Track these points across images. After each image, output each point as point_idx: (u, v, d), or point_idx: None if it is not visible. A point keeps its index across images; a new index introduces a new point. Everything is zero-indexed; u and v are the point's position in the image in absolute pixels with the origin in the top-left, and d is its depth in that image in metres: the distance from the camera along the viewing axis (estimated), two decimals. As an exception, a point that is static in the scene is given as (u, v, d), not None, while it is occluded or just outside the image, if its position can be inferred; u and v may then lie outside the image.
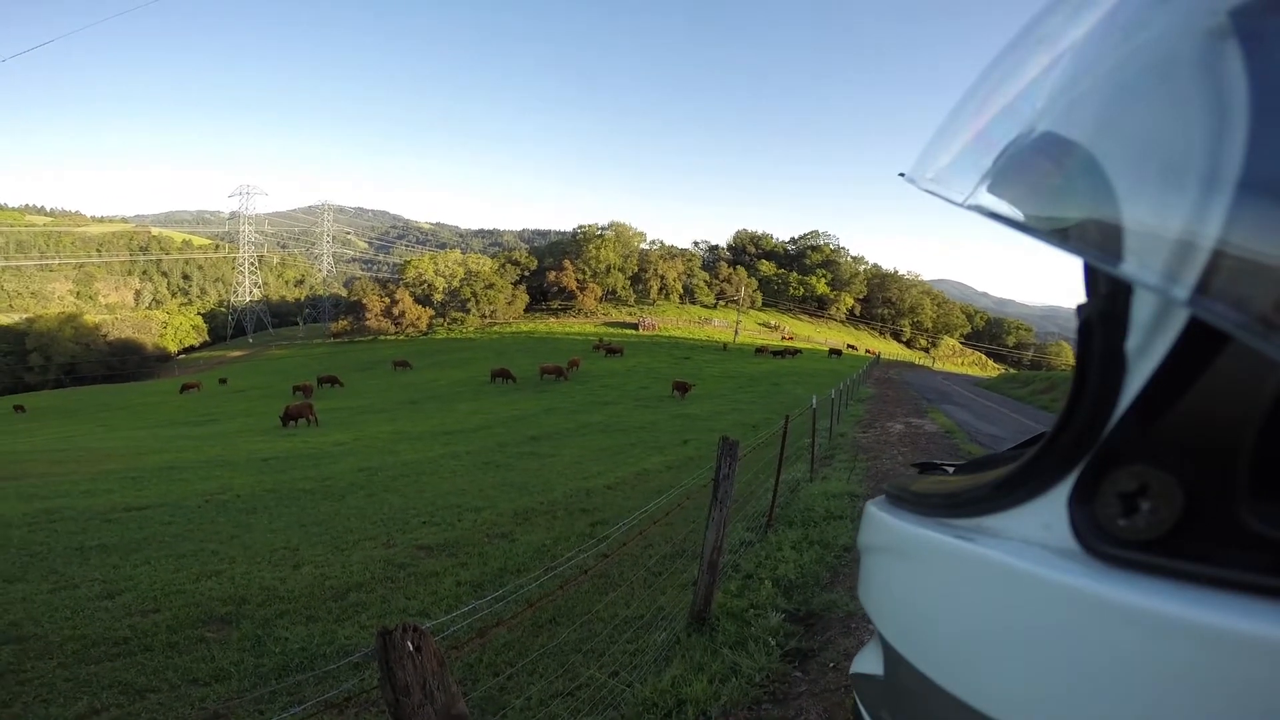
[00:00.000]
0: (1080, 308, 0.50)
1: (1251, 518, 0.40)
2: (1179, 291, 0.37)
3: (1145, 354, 0.45)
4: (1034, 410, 20.27)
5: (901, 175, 0.74)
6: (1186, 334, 0.42)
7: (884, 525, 0.78)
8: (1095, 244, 0.44)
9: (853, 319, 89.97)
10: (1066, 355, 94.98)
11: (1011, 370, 65.28)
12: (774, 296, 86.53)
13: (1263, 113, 0.35)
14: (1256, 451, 0.40)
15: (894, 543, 0.75)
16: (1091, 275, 0.49)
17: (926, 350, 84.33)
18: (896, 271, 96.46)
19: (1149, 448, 0.45)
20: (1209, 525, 0.42)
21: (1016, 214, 0.53)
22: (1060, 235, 0.48)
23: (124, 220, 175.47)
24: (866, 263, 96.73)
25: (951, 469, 0.97)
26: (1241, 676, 0.37)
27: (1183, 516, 0.42)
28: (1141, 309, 0.45)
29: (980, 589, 0.57)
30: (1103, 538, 0.47)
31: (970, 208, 0.58)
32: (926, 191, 0.67)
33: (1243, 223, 0.34)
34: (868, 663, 0.87)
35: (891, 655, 0.73)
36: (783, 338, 64.28)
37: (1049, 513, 0.52)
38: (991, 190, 0.56)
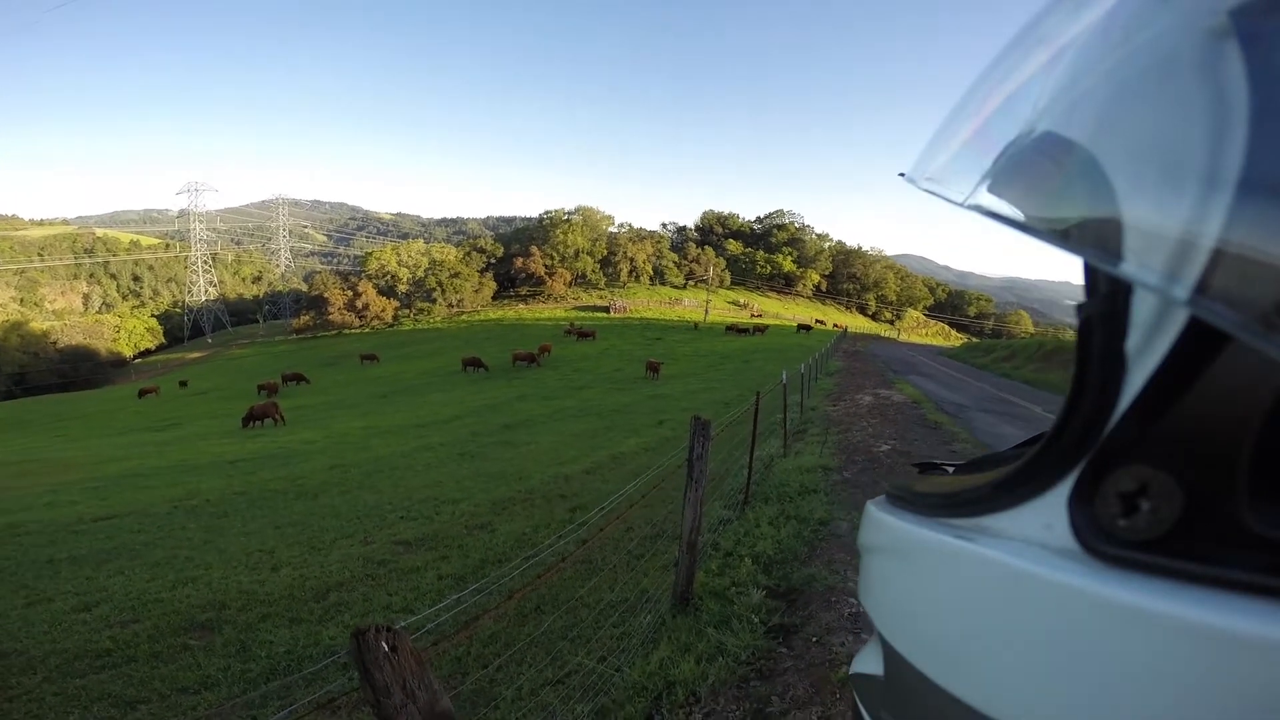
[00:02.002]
0: (1080, 307, 0.50)
1: (1251, 518, 0.40)
2: (1179, 291, 0.37)
3: (1145, 354, 0.44)
4: (995, 377, 20.82)
5: (901, 175, 0.74)
6: (1186, 334, 0.42)
7: (884, 525, 0.78)
8: (1095, 244, 0.44)
9: (819, 295, 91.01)
10: (1025, 323, 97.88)
11: (974, 339, 66.99)
12: (742, 275, 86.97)
13: (1263, 113, 0.35)
14: (1256, 451, 0.41)
15: (894, 543, 0.75)
16: (1091, 275, 0.50)
17: (891, 323, 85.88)
18: (860, 248, 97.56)
19: (1149, 448, 0.45)
20: (1209, 525, 0.42)
21: (1016, 214, 0.53)
22: (1060, 235, 0.48)
23: (65, 222, 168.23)
24: (831, 240, 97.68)
25: (951, 469, 0.98)
26: (1241, 676, 0.37)
27: (1183, 516, 0.43)
28: (1141, 309, 0.45)
29: (980, 589, 0.57)
30: (1103, 538, 0.47)
31: (970, 208, 0.58)
32: (926, 191, 0.67)
33: (1243, 222, 0.34)
34: (868, 663, 0.87)
35: (891, 655, 0.73)
36: (752, 315, 64.75)
37: (1049, 513, 0.52)
38: (991, 190, 0.56)
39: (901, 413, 11.86)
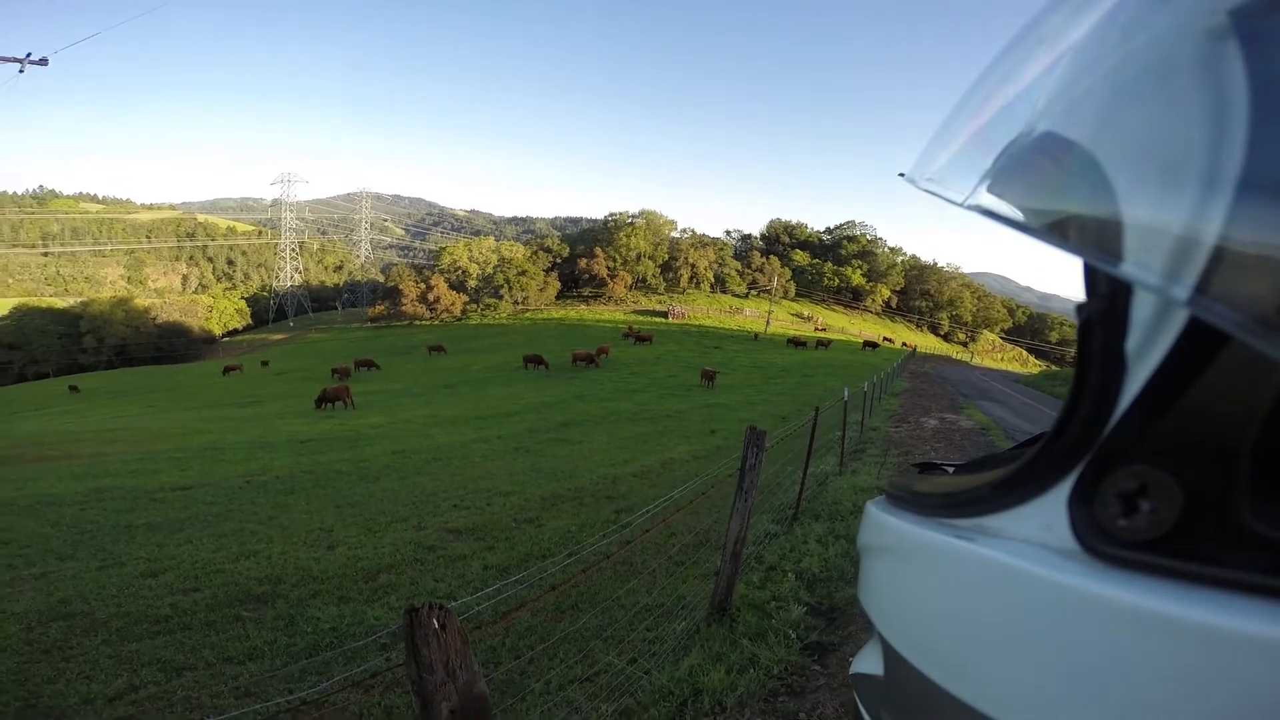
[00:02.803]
0: (1080, 307, 0.50)
1: (1251, 518, 0.40)
2: (1179, 291, 0.37)
3: (1145, 354, 0.45)
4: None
5: (901, 175, 0.74)
6: (1186, 334, 0.42)
7: (884, 525, 0.78)
8: (1095, 244, 0.44)
9: (889, 311, 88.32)
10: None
11: (1054, 367, 63.47)
12: (808, 287, 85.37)
13: (1262, 113, 0.35)
14: (1256, 452, 0.40)
15: (894, 543, 0.75)
16: (1091, 275, 0.49)
17: (965, 345, 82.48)
18: (935, 263, 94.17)
19: (1149, 448, 0.45)
20: (1209, 525, 0.42)
21: (1016, 214, 0.53)
22: (1060, 235, 0.48)
23: (172, 207, 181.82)
24: (904, 254, 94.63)
25: (951, 469, 0.97)
26: (1241, 676, 0.37)
27: (1182, 517, 0.43)
28: (1141, 309, 0.45)
29: (980, 589, 0.57)
30: (1103, 538, 0.47)
31: (970, 208, 0.58)
32: (926, 191, 0.67)
33: (1242, 223, 0.34)
34: (868, 663, 0.87)
35: (891, 655, 0.74)
36: (816, 329, 63.52)
37: (1049, 513, 0.52)
38: (991, 190, 0.56)
39: (969, 439, 11.40)
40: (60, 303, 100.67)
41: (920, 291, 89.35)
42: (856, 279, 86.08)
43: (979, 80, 0.64)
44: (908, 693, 0.70)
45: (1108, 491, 0.47)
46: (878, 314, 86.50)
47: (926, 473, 1.00)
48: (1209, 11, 0.38)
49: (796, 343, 45.00)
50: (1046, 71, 0.53)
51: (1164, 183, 0.39)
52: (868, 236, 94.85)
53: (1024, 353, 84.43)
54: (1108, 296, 0.47)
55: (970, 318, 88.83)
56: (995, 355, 78.22)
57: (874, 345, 50.36)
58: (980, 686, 0.55)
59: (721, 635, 3.53)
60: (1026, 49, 0.57)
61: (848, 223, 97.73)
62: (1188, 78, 0.39)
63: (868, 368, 30.58)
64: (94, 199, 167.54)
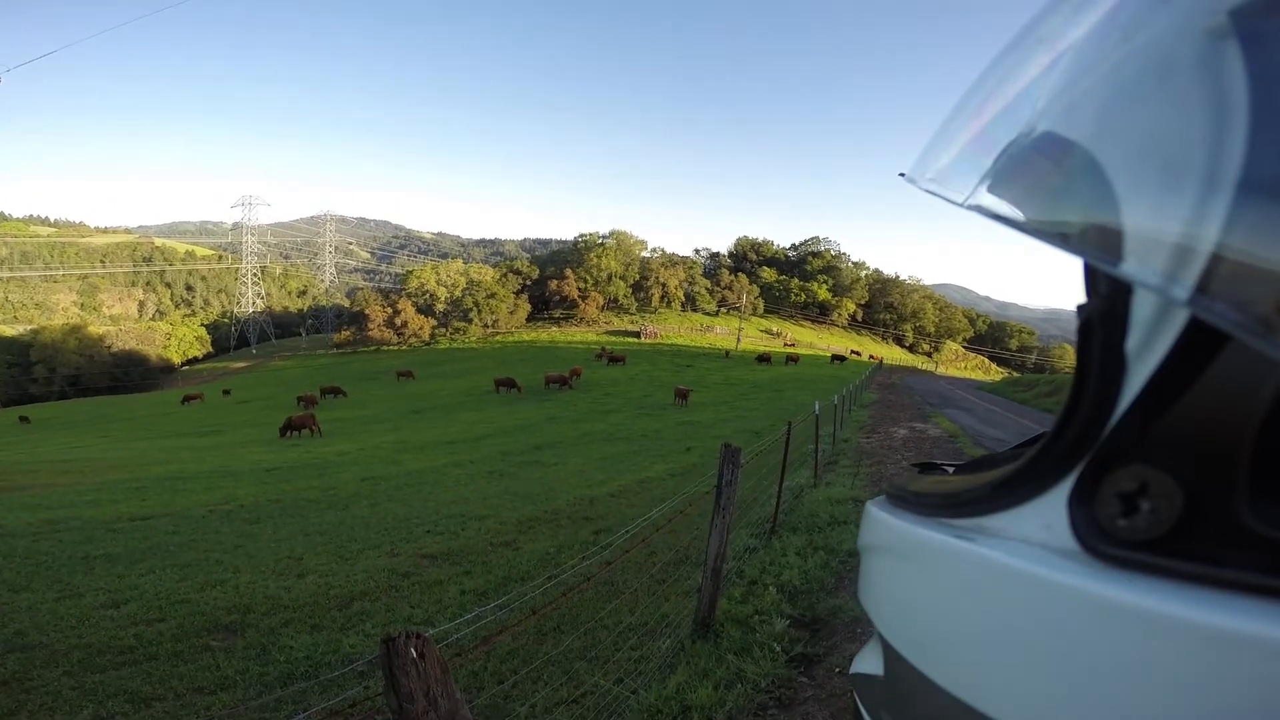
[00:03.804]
0: (1080, 308, 0.50)
1: (1251, 518, 0.40)
2: (1179, 292, 0.37)
3: (1145, 354, 0.44)
4: (1037, 413, 20.20)
5: (902, 175, 0.74)
6: (1186, 334, 0.42)
7: (884, 525, 0.78)
8: (1095, 244, 0.44)
9: (855, 325, 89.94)
10: (1070, 358, 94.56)
11: (1015, 374, 65.09)
12: (776, 303, 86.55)
13: (1262, 113, 0.35)
14: (1256, 452, 0.40)
15: (894, 543, 0.75)
16: (1091, 275, 0.49)
17: (929, 355, 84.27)
18: (898, 276, 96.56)
19: (1149, 448, 0.45)
20: (1208, 525, 0.41)
21: (1016, 214, 0.53)
22: (1060, 235, 0.48)
23: (128, 231, 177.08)
24: (868, 268, 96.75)
25: (951, 469, 0.97)
26: (1241, 676, 0.37)
27: (1182, 516, 0.42)
28: (1141, 309, 0.45)
29: (980, 589, 0.57)
30: (1103, 538, 0.46)
31: (970, 208, 0.58)
32: (926, 191, 0.67)
33: (1242, 223, 0.34)
34: (868, 663, 0.86)
35: (891, 655, 0.73)
36: (785, 344, 64.19)
37: (1049, 513, 0.52)
38: (992, 190, 0.56)
39: (937, 446, 11.59)
40: (9, 330, 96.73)
41: (884, 304, 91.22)
42: (823, 294, 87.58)
43: (979, 80, 0.64)
44: (908, 693, 0.69)
45: (1108, 491, 0.47)
46: (844, 328, 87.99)
47: (926, 473, 1.00)
48: (1209, 11, 0.38)
49: (763, 359, 44.95)
50: (1046, 72, 0.53)
51: (1164, 183, 0.39)
52: (832, 252, 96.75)
53: (986, 360, 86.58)
54: (1108, 297, 0.47)
55: (933, 328, 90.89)
56: (959, 364, 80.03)
57: (842, 359, 51.09)
58: (980, 686, 0.55)
59: (707, 652, 3.50)
60: (1026, 49, 0.57)
61: (813, 239, 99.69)
62: (1188, 78, 0.39)
63: (837, 381, 30.97)
64: (45, 222, 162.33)
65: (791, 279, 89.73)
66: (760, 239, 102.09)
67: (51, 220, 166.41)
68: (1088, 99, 0.47)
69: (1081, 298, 0.50)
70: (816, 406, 9.34)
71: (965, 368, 78.83)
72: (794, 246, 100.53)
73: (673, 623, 4.03)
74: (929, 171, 0.68)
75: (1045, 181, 0.51)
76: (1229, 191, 0.35)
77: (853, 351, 64.06)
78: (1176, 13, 0.41)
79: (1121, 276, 0.42)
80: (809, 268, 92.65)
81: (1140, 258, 0.40)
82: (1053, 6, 0.55)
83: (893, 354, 76.68)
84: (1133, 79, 0.43)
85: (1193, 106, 0.38)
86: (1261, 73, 0.35)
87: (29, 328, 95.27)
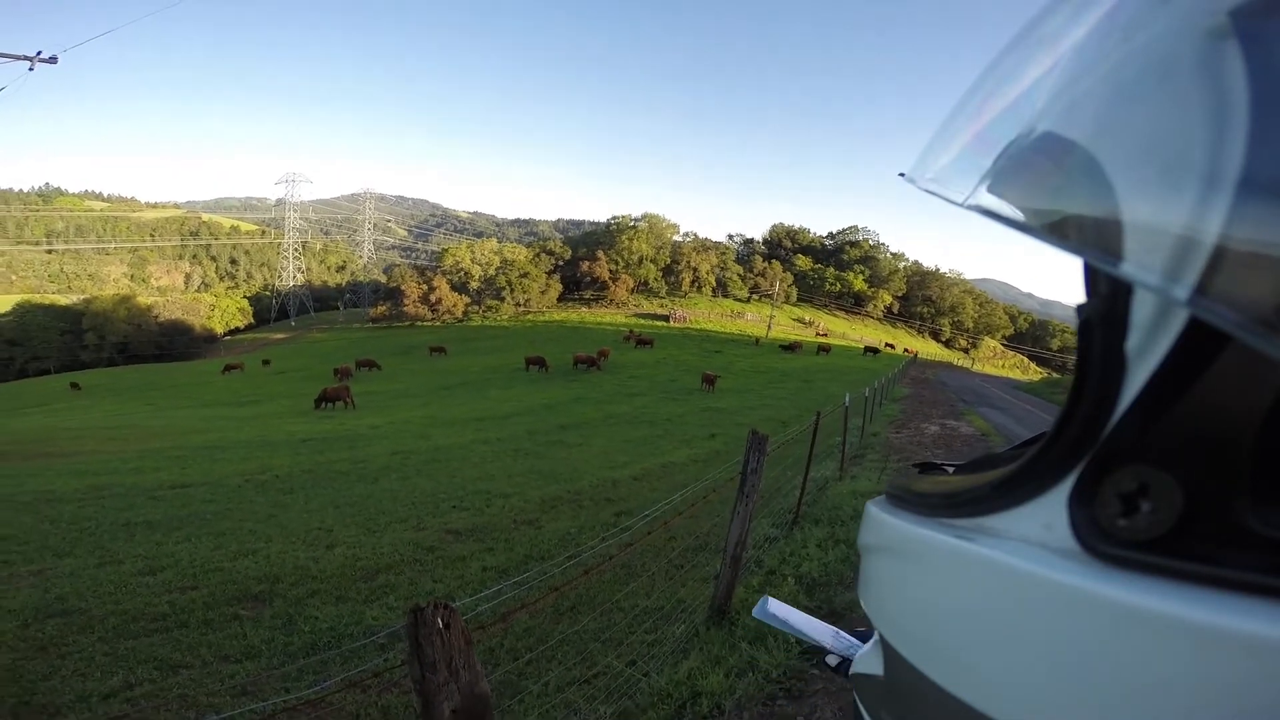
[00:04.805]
0: (1080, 308, 0.50)
1: (1252, 518, 0.40)
2: (1179, 292, 0.37)
3: (1145, 354, 0.44)
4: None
5: (902, 175, 0.74)
6: (1186, 334, 0.42)
7: (884, 525, 0.78)
8: (1095, 244, 0.44)
9: (891, 316, 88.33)
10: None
11: (1055, 375, 63.45)
12: (809, 292, 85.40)
13: (1262, 113, 0.35)
14: (1257, 452, 0.40)
15: (894, 542, 0.75)
16: (1091, 275, 0.49)
17: (966, 351, 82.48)
18: (937, 269, 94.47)
19: (1149, 448, 0.45)
20: (1209, 525, 0.41)
21: (1016, 214, 0.53)
22: (1060, 235, 0.48)
23: (176, 206, 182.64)
24: (906, 259, 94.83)
25: (951, 469, 0.97)
26: (1242, 677, 0.37)
27: (1183, 516, 0.42)
28: (1141, 309, 0.45)
29: (980, 589, 0.57)
30: (1103, 538, 0.46)
31: (970, 208, 0.58)
32: (926, 191, 0.67)
33: (1243, 223, 0.34)
34: (868, 663, 0.87)
35: (891, 655, 0.73)
36: (818, 334, 63.50)
37: (1049, 513, 0.52)
38: (992, 190, 0.56)
39: (968, 445, 11.40)
40: (63, 300, 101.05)
41: (922, 297, 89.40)
42: (859, 284, 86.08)
43: (979, 80, 0.64)
44: (908, 693, 0.69)
45: (1108, 491, 0.47)
46: (879, 319, 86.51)
47: (927, 473, 1.00)
48: (1209, 11, 0.38)
49: (788, 348, 44.11)
50: (1046, 72, 0.53)
51: (1164, 182, 0.39)
52: (870, 242, 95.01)
53: (1025, 360, 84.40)
54: (1108, 297, 0.47)
55: (972, 324, 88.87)
56: (996, 362, 78.21)
57: (875, 351, 50.29)
58: (980, 686, 0.55)
59: (721, 639, 3.52)
60: (1026, 49, 0.57)
61: (850, 228, 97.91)
62: (1188, 78, 0.39)
63: (869, 373, 30.56)
64: (99, 197, 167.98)
65: (827, 268, 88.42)
66: (796, 226, 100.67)
67: (105, 195, 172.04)
68: (1088, 99, 0.47)
69: (1081, 297, 0.50)
70: (847, 399, 9.22)
71: (1003, 366, 77.02)
72: (831, 235, 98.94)
73: (689, 608, 4.06)
74: (929, 171, 0.68)
75: (1045, 181, 0.51)
76: (1229, 191, 0.35)
77: (887, 344, 63.02)
78: (1176, 13, 0.41)
79: (1121, 276, 0.42)
80: (846, 257, 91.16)
81: (1140, 258, 0.40)
82: (1053, 6, 0.55)
83: (928, 348, 75.31)
84: (1133, 79, 0.43)
85: (1193, 106, 0.38)
86: (1261, 73, 0.35)
87: (82, 297, 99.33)
